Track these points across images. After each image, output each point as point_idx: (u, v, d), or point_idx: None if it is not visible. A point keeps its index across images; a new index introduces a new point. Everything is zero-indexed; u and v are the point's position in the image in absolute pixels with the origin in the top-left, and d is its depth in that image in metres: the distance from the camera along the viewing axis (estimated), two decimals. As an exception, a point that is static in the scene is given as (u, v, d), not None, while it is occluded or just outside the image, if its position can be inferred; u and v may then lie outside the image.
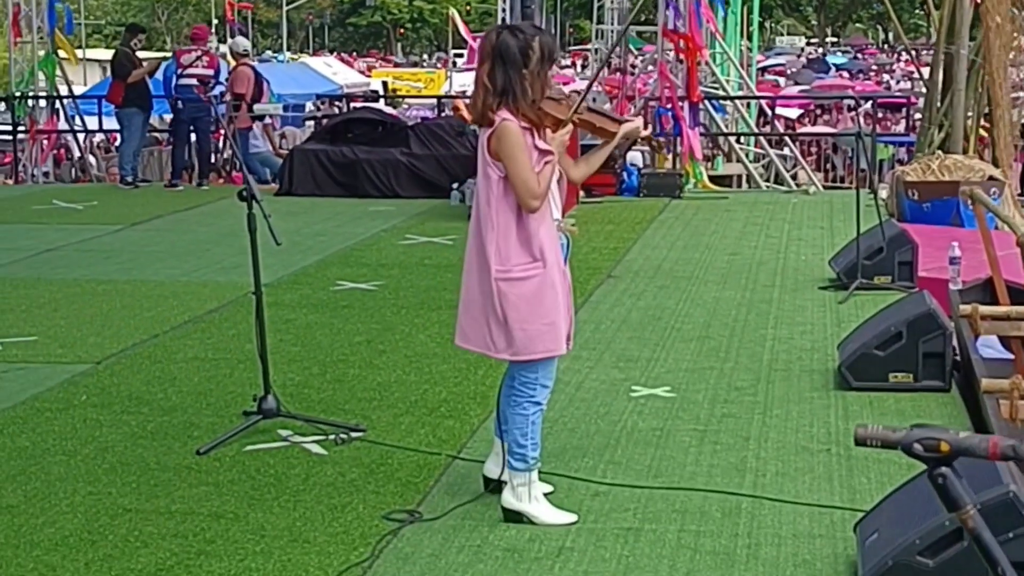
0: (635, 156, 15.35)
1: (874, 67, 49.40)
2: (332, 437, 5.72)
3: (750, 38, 23.89)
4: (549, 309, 4.71)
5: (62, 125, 17.65)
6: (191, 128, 14.95)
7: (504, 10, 18.88)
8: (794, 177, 18.22)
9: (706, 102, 15.73)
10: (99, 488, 5.19)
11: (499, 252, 4.65)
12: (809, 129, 25.56)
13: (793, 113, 27.73)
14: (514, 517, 4.79)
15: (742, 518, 4.82)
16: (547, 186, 4.71)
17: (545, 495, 4.92)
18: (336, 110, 19.36)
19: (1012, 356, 7.22)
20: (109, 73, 15.83)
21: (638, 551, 4.53)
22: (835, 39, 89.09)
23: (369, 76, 45.02)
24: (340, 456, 5.53)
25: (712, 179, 16.51)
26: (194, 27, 16.42)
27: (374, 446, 5.64)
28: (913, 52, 20.47)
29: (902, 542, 3.96)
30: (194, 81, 13.69)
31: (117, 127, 15.80)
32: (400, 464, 5.43)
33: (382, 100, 32.48)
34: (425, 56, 78.79)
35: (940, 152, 12.97)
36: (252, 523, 4.81)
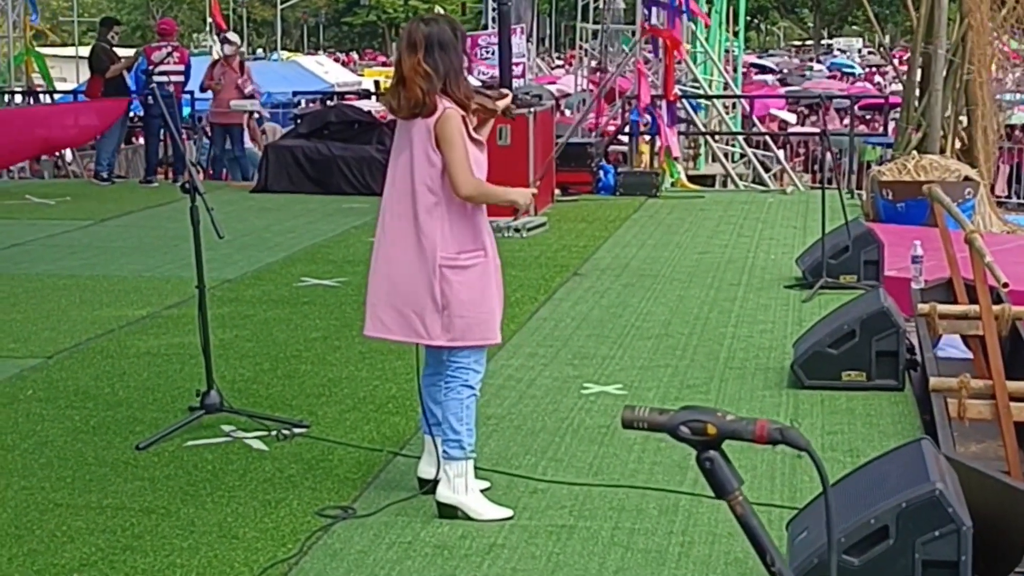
0: None
1: (867, 68, 49.28)
2: (274, 433, 5.66)
3: (736, 36, 23.80)
4: (488, 298, 4.73)
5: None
6: (162, 125, 14.87)
7: (494, 8, 18.84)
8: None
9: (684, 101, 15.66)
10: (33, 483, 5.13)
11: (444, 239, 4.64)
12: (799, 130, 25.46)
13: (791, 117, 27.56)
14: (449, 512, 4.74)
15: (679, 516, 4.77)
16: (479, 176, 4.70)
17: (482, 491, 4.87)
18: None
19: (972, 356, 7.17)
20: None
21: (569, 548, 4.48)
22: (831, 41, 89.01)
23: (360, 76, 44.97)
24: (281, 452, 5.48)
25: (693, 179, 16.46)
26: (160, 21, 16.30)
27: (316, 442, 5.59)
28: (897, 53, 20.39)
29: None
30: (165, 78, 13.65)
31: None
32: (340, 460, 5.38)
33: (374, 98, 32.39)
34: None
35: (916, 152, 12.91)
36: (183, 518, 4.76)
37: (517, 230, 10.85)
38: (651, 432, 2.15)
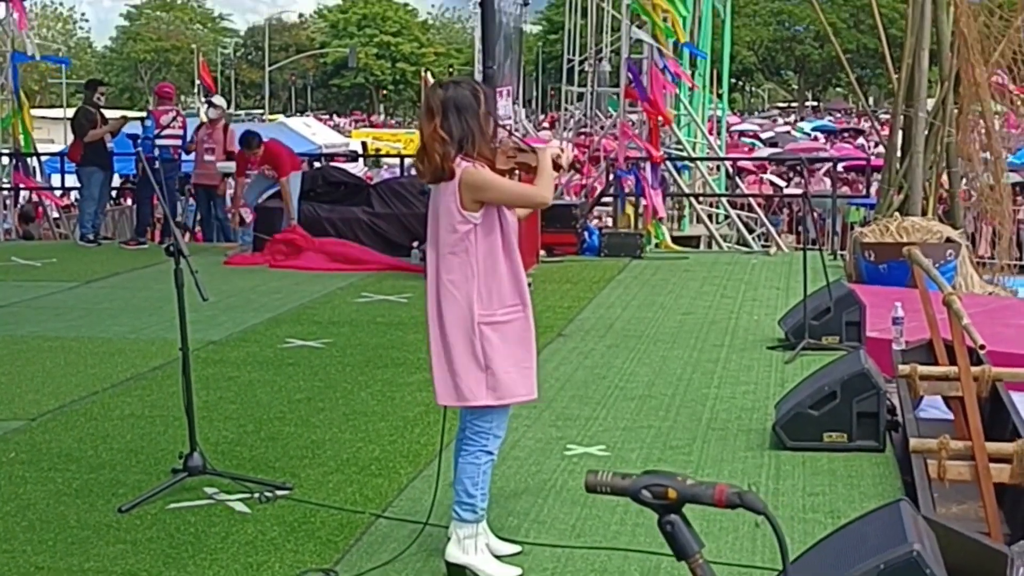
0: None
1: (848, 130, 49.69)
2: (257, 495, 5.66)
3: (720, 98, 24.04)
4: (528, 353, 4.74)
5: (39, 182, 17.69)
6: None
7: (480, 72, 18.96)
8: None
9: (669, 163, 15.79)
10: (14, 546, 5.12)
11: (481, 297, 4.62)
12: (782, 192, 25.66)
13: (782, 181, 27.77)
14: (457, 572, 4.74)
15: (660, 578, 4.78)
16: (546, 182, 4.84)
17: (513, 555, 4.93)
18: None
19: (953, 416, 7.20)
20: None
21: (551, 611, 4.49)
22: (815, 103, 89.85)
23: (348, 137, 45.25)
24: (263, 514, 5.48)
25: (677, 240, 16.57)
26: (160, 85, 16.31)
27: (299, 504, 5.59)
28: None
29: (807, 602, 3.92)
30: (170, 142, 13.75)
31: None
32: (323, 522, 5.38)
33: (361, 160, 32.54)
34: (409, 118, 79.38)
35: (898, 214, 13.03)
36: (164, 582, 4.75)
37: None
38: (615, 496, 2.18)
